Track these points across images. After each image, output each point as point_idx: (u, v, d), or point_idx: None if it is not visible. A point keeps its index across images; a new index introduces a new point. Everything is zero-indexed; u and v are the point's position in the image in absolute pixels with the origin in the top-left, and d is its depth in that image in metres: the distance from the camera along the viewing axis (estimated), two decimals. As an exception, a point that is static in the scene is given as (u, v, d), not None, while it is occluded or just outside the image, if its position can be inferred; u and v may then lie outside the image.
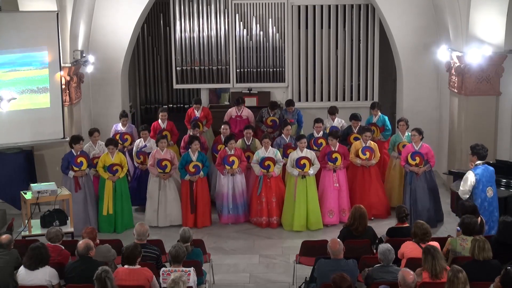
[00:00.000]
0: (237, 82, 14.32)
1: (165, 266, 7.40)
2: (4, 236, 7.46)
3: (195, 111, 12.61)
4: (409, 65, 13.37)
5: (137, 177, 11.48)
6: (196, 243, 8.11)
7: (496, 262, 6.84)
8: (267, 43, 14.19)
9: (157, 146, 10.91)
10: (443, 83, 12.99)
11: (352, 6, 14.07)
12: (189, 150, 10.79)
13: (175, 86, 14.57)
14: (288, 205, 10.65)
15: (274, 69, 14.25)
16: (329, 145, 10.86)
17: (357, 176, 10.99)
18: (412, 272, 6.37)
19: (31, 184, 9.93)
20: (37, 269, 6.94)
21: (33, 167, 11.78)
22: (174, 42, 14.25)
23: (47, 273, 6.96)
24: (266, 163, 10.62)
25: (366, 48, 14.20)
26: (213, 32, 14.18)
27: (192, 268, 7.11)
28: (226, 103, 14.55)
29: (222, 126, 11.61)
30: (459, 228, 7.77)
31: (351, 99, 14.39)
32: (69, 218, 9.57)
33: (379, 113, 12.06)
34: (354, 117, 11.89)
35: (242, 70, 14.27)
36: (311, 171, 10.52)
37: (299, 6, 14.09)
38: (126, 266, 6.90)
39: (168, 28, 15.38)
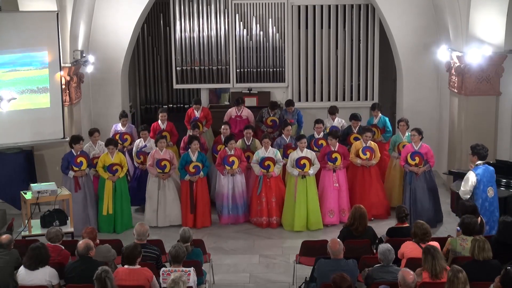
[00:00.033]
0: (237, 82, 14.31)
1: (165, 266, 7.40)
2: (4, 236, 7.46)
3: (195, 112, 12.61)
4: (409, 65, 13.37)
5: (137, 177, 11.49)
6: (196, 243, 8.11)
7: (496, 262, 6.84)
8: (267, 43, 14.19)
9: (156, 146, 10.91)
10: (443, 83, 12.99)
11: (352, 6, 14.06)
12: (189, 150, 10.79)
13: (175, 86, 14.56)
14: (289, 205, 10.65)
15: (274, 69, 14.25)
16: (328, 145, 10.86)
17: (357, 176, 10.99)
18: (412, 272, 6.37)
19: (31, 184, 9.93)
20: (37, 269, 6.94)
21: (33, 167, 11.78)
22: (174, 42, 14.25)
23: (47, 273, 6.96)
24: (266, 163, 10.62)
25: (366, 48, 14.19)
26: (213, 32, 14.18)
27: (192, 268, 7.11)
28: (226, 103, 14.55)
29: (222, 126, 11.61)
30: (459, 228, 7.77)
31: (351, 99, 14.39)
32: (69, 218, 9.57)
33: (380, 114, 12.05)
34: (354, 117, 11.89)
35: (242, 70, 14.27)
36: (311, 171, 10.52)
37: (299, 6, 14.08)
38: (126, 266, 6.90)
39: (168, 28, 15.37)
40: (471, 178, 8.80)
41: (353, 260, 7.17)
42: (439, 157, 12.91)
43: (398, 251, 7.41)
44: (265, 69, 14.26)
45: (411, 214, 9.92)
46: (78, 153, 10.50)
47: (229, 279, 9.01)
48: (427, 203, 10.44)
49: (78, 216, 10.25)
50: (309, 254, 8.32)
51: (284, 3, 14.02)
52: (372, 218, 10.59)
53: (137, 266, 6.90)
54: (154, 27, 15.91)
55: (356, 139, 11.42)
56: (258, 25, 14.14)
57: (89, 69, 12.85)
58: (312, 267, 7.74)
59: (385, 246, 7.00)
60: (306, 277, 7.91)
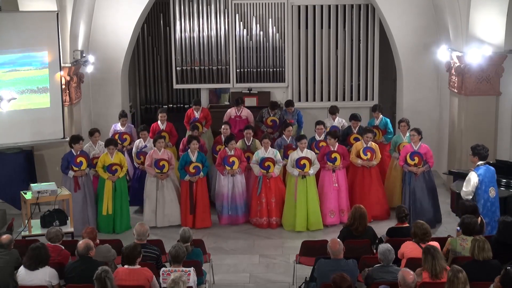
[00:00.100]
0: (237, 82, 14.31)
1: (165, 266, 7.40)
2: (4, 236, 7.46)
3: (195, 112, 12.61)
4: (409, 65, 13.37)
5: (137, 178, 11.47)
6: (196, 243, 8.11)
7: (496, 262, 6.84)
8: (267, 43, 14.18)
9: (154, 146, 10.89)
10: (443, 83, 12.99)
11: (352, 6, 14.06)
12: (188, 150, 10.78)
13: (175, 86, 14.56)
14: (289, 206, 10.64)
15: (274, 69, 14.25)
16: (328, 145, 10.84)
17: (357, 177, 10.98)
18: (412, 272, 6.37)
19: (31, 184, 9.93)
20: (37, 269, 6.94)
21: (33, 167, 11.78)
22: (174, 42, 14.25)
23: (47, 273, 6.96)
24: (266, 163, 10.61)
25: (366, 48, 14.19)
26: (213, 32, 14.17)
27: (192, 268, 7.11)
28: (226, 103, 14.55)
29: (223, 126, 11.60)
30: (459, 228, 7.77)
31: (351, 99, 14.39)
32: (69, 218, 9.56)
33: (381, 115, 12.04)
34: (354, 117, 11.88)
35: (242, 70, 14.26)
36: (311, 171, 10.52)
37: (299, 6, 14.08)
38: (126, 266, 6.90)
39: (168, 28, 15.38)
40: (473, 178, 8.79)
41: (353, 260, 7.17)
42: (439, 157, 12.91)
43: (398, 251, 7.41)
44: (265, 69, 14.25)
45: (410, 214, 9.91)
46: (78, 153, 10.50)
47: (229, 279, 9.01)
48: (427, 203, 10.44)
49: (78, 216, 10.24)
50: (309, 254, 8.32)
51: (284, 3, 14.02)
52: (372, 220, 10.56)
53: (137, 266, 6.90)
54: (154, 27, 15.91)
55: (356, 139, 11.41)
56: (258, 25, 14.14)
57: (89, 69, 12.85)
58: (312, 267, 7.74)
59: (385, 246, 7.00)
60: (306, 277, 7.91)
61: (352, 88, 14.36)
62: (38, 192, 9.42)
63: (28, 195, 9.53)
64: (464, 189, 8.88)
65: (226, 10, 14.09)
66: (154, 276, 6.91)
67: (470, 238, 7.27)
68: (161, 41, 15.89)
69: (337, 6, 14.05)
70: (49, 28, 11.05)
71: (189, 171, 10.61)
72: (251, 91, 14.30)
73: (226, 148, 10.80)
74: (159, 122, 12.28)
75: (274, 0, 14.03)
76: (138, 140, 11.56)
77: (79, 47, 12.31)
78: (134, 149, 11.49)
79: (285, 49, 14.15)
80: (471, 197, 8.76)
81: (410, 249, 7.39)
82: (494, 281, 6.23)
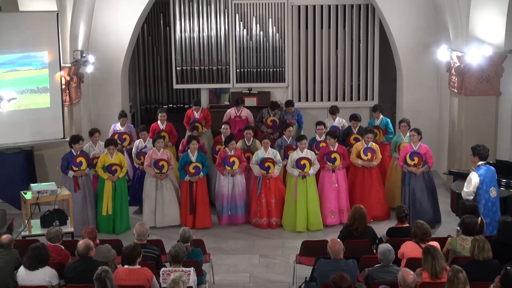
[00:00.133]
0: (237, 82, 14.31)
1: (165, 266, 7.40)
2: (4, 236, 7.45)
3: (195, 113, 12.60)
4: (409, 65, 13.37)
5: (138, 178, 11.45)
6: (196, 243, 8.11)
7: (496, 262, 6.84)
8: (267, 43, 14.18)
9: (153, 146, 10.88)
10: (443, 83, 12.99)
11: (352, 6, 14.06)
12: (188, 150, 10.78)
13: (175, 86, 14.56)
14: (289, 206, 10.64)
15: (274, 69, 14.25)
16: (328, 145, 10.84)
17: (357, 177, 10.96)
18: (412, 272, 6.37)
19: (31, 184, 9.93)
20: (37, 269, 6.93)
21: (33, 167, 11.78)
22: (174, 42, 14.24)
23: (47, 274, 6.96)
24: (266, 164, 10.60)
25: (366, 48, 14.19)
26: (213, 32, 14.17)
27: (192, 268, 7.11)
28: (226, 103, 14.55)
29: (223, 126, 11.59)
30: (459, 228, 7.77)
31: (351, 99, 14.38)
32: (69, 218, 9.56)
33: (381, 116, 12.04)
34: (354, 118, 11.87)
35: (242, 70, 14.26)
36: (311, 171, 10.51)
37: (299, 6, 14.08)
38: (126, 266, 6.90)
39: (168, 28, 15.38)
40: (474, 179, 8.78)
41: (353, 260, 7.17)
42: (439, 157, 12.91)
43: (398, 251, 7.41)
44: (265, 69, 14.25)
45: (410, 215, 9.90)
46: (78, 153, 10.50)
47: (229, 279, 9.01)
48: (426, 203, 10.43)
49: (78, 216, 10.24)
50: (309, 254, 8.32)
51: (284, 3, 14.02)
52: (372, 220, 10.56)
53: (137, 266, 6.90)
54: (154, 27, 15.92)
55: (356, 139, 11.41)
56: (258, 25, 14.14)
57: (89, 69, 12.85)
58: (312, 267, 7.74)
59: (385, 246, 7.00)
60: (306, 277, 7.91)
61: (352, 88, 14.36)
62: (38, 192, 9.42)
63: (28, 195, 9.53)
64: (465, 189, 8.87)
65: (226, 10, 14.09)
66: (154, 276, 6.91)
67: (470, 238, 7.27)
68: (161, 41, 15.89)
69: (337, 6, 14.05)
70: (49, 28, 11.05)
71: (189, 171, 10.60)
72: (251, 91, 14.30)
73: (226, 148, 10.79)
74: (158, 122, 12.27)
75: (274, 0, 14.03)
76: (138, 141, 11.55)
77: (79, 47, 12.31)
78: (134, 150, 11.49)
79: (285, 49, 14.14)
80: (472, 197, 8.75)
81: (410, 249, 7.39)
82: (494, 281, 6.23)
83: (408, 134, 11.08)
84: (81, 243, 7.16)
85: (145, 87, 16.11)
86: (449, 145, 12.38)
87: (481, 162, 8.91)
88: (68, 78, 11.79)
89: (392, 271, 6.84)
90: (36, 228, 9.35)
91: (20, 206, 10.11)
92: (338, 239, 7.38)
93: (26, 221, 9.33)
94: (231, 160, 10.67)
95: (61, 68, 11.35)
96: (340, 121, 12.27)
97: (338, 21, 14.10)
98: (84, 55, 12.31)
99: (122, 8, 13.20)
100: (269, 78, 14.29)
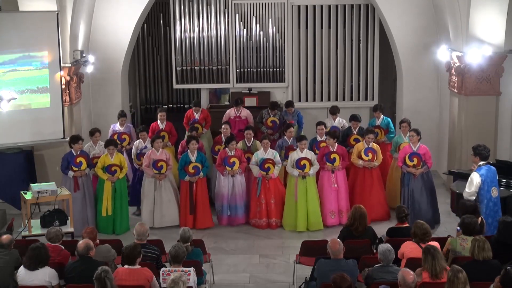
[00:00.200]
0: (237, 82, 14.31)
1: (165, 266, 7.40)
2: (5, 236, 7.45)
3: (194, 113, 12.59)
4: (409, 65, 13.37)
5: (138, 179, 11.41)
6: (196, 243, 8.11)
7: (496, 262, 6.84)
8: (267, 43, 14.18)
9: (152, 146, 10.87)
10: (443, 83, 12.99)
11: (352, 6, 14.06)
12: (188, 150, 10.77)
13: (175, 86, 14.56)
14: (290, 206, 10.63)
15: (274, 69, 14.24)
16: (328, 145, 10.83)
17: (358, 178, 10.94)
18: (412, 272, 6.37)
19: (31, 184, 9.93)
20: (37, 269, 6.94)
21: (33, 167, 11.78)
22: (174, 42, 14.24)
23: (47, 274, 6.96)
24: (266, 165, 10.59)
25: (366, 48, 14.19)
26: (213, 32, 14.17)
27: (192, 268, 7.11)
28: (226, 103, 14.55)
29: (223, 126, 11.58)
30: (459, 228, 7.77)
31: (351, 99, 14.38)
32: (69, 218, 9.56)
33: (382, 115, 12.03)
34: (354, 118, 11.86)
35: (242, 70, 14.26)
36: (311, 171, 10.51)
37: (299, 6, 14.08)
38: (126, 266, 6.90)
39: (168, 28, 15.38)
40: (475, 179, 8.76)
41: (353, 260, 7.17)
42: (439, 157, 12.92)
43: (398, 251, 7.41)
44: (265, 69, 14.25)
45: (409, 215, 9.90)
46: (78, 153, 10.49)
47: (229, 279, 9.01)
48: (425, 204, 10.42)
49: (78, 216, 10.23)
50: (309, 254, 8.32)
51: (284, 3, 14.02)
52: (371, 222, 10.53)
53: (137, 266, 6.90)
54: (154, 27, 15.92)
55: (356, 140, 11.40)
56: (258, 25, 14.14)
57: (89, 69, 12.85)
58: (312, 267, 7.74)
59: (385, 246, 7.00)
60: (306, 277, 7.91)
61: (352, 88, 14.36)
62: (38, 192, 9.42)
63: (28, 195, 9.53)
64: (467, 190, 8.84)
65: (226, 10, 14.09)
66: (154, 276, 6.91)
67: (470, 238, 7.27)
68: (161, 41, 15.89)
69: (337, 6, 14.05)
70: (49, 28, 11.05)
71: (189, 172, 10.60)
72: (251, 91, 14.30)
73: (226, 148, 10.78)
74: (158, 121, 12.26)
75: (274, 0, 14.03)
76: (137, 141, 11.52)
77: (79, 47, 12.31)
78: (133, 150, 11.45)
79: (285, 49, 14.14)
80: (474, 197, 8.73)
81: (410, 249, 7.39)
82: (494, 281, 6.23)
83: (408, 134, 11.07)
84: (81, 243, 7.16)
85: (145, 87, 16.12)
86: (449, 145, 12.38)
87: (482, 162, 8.90)
88: (68, 78, 11.79)
89: (392, 271, 6.84)
90: (36, 228, 9.35)
91: (20, 206, 10.11)
92: (338, 239, 7.38)
93: (26, 221, 9.33)
94: (231, 160, 10.66)
95: (61, 68, 11.35)
96: (340, 121, 12.27)
97: (338, 21, 14.10)
98: (84, 55, 12.31)
99: (122, 8, 13.20)
100: (269, 78, 14.29)
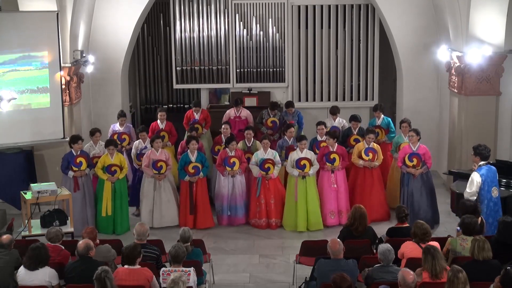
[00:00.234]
0: (237, 82, 14.31)
1: (165, 266, 7.40)
2: (5, 236, 7.45)
3: (195, 114, 12.59)
4: (409, 65, 13.37)
5: (138, 179, 11.40)
6: (196, 243, 8.11)
7: (496, 262, 6.84)
8: (267, 43, 14.18)
9: (151, 146, 10.86)
10: (443, 83, 12.99)
11: (352, 6, 14.06)
12: (188, 150, 10.77)
13: (175, 86, 14.56)
14: (290, 206, 10.63)
15: (274, 69, 14.24)
16: (327, 145, 10.82)
17: (358, 178, 10.93)
18: (412, 272, 6.37)
19: (31, 184, 9.93)
20: (37, 269, 6.94)
21: (33, 167, 11.78)
22: (174, 42, 14.24)
23: (47, 274, 6.96)
24: (266, 165, 10.59)
25: (366, 48, 14.19)
26: (213, 32, 14.17)
27: (192, 268, 7.11)
28: (226, 103, 14.55)
29: (223, 126, 11.58)
30: (459, 228, 7.77)
31: (351, 99, 14.38)
32: (69, 218, 9.56)
33: (382, 115, 12.03)
34: (354, 118, 11.84)
35: (242, 70, 14.26)
36: (311, 171, 10.51)
37: (299, 6, 14.08)
38: (126, 266, 6.90)
39: (168, 28, 15.38)
40: (476, 179, 8.75)
41: (353, 260, 7.17)
42: (439, 157, 12.92)
43: (398, 251, 7.41)
44: (265, 69, 14.25)
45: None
46: (78, 153, 10.49)
47: (229, 279, 9.01)
48: (425, 204, 10.42)
49: (78, 216, 10.23)
50: (309, 254, 8.32)
51: (284, 3, 14.02)
52: (371, 223, 10.51)
53: (137, 266, 6.90)
54: (154, 27, 15.92)
55: (356, 140, 11.39)
56: (258, 25, 14.14)
57: (89, 69, 12.85)
58: (312, 267, 7.74)
59: (385, 246, 7.00)
60: (306, 277, 7.91)
61: (352, 88, 14.36)
62: (38, 192, 9.42)
63: (28, 195, 9.53)
64: (468, 190, 8.83)
65: (226, 10, 14.09)
66: (154, 276, 6.91)
67: (470, 238, 7.27)
68: (161, 41, 15.90)
69: (337, 6, 14.05)
70: (49, 28, 11.05)
71: (188, 171, 10.59)
72: (251, 91, 14.29)
73: (227, 149, 10.78)
74: (158, 121, 12.26)
75: (274, 0, 14.03)
76: (137, 141, 11.50)
77: (79, 47, 12.31)
78: (133, 151, 11.43)
79: (285, 49, 14.14)
80: (475, 197, 8.71)
81: (410, 249, 7.39)
82: (494, 281, 6.23)
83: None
84: (81, 243, 7.16)
85: (145, 87, 16.12)
86: (449, 145, 12.38)
87: (482, 162, 8.90)
88: (68, 78, 11.79)
89: (392, 271, 6.84)
90: (36, 228, 9.35)
91: (20, 206, 10.11)
92: (338, 239, 7.38)
93: (26, 221, 9.33)
94: (231, 161, 10.66)
95: (61, 68, 11.35)
96: (341, 122, 12.26)
97: (338, 21, 14.10)
98: (84, 55, 12.31)
99: (122, 8, 13.20)
100: (269, 78, 14.29)
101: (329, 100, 14.27)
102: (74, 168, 10.41)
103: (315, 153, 10.88)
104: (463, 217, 7.61)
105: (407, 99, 13.49)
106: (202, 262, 7.92)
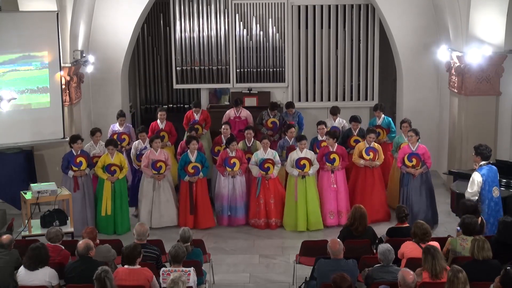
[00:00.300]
0: (237, 82, 14.31)
1: (165, 266, 7.40)
2: (5, 236, 7.45)
3: (195, 114, 12.59)
4: (409, 65, 13.37)
5: (138, 179, 11.39)
6: (196, 243, 8.11)
7: (496, 262, 6.84)
8: (267, 43, 14.18)
9: (150, 146, 10.85)
10: (443, 83, 12.99)
11: (352, 6, 14.06)
12: (188, 150, 10.76)
13: (175, 86, 14.56)
14: (290, 206, 10.63)
15: (274, 69, 14.24)
16: (327, 145, 10.82)
17: (359, 178, 10.91)
18: (412, 272, 6.37)
19: (31, 184, 9.93)
20: (37, 269, 6.93)
21: (33, 167, 11.78)
22: (174, 42, 14.24)
23: (47, 274, 6.95)
24: (266, 165, 10.58)
25: (366, 48, 14.19)
26: (213, 32, 14.17)
27: (192, 268, 7.11)
28: (226, 103, 14.55)
29: (223, 126, 11.57)
30: (459, 228, 7.77)
31: (351, 99, 14.38)
32: (69, 218, 9.56)
33: (383, 115, 12.03)
34: (354, 119, 11.82)
35: (242, 70, 14.26)
36: (311, 171, 10.51)
37: (299, 6, 14.08)
38: (126, 266, 6.90)
39: (168, 28, 15.38)
40: (477, 178, 8.74)
41: (353, 260, 7.17)
42: (439, 157, 12.92)
43: (398, 251, 7.41)
44: (265, 69, 14.25)
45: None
46: (78, 153, 10.49)
47: (229, 279, 9.01)
48: (424, 204, 10.42)
49: (77, 216, 10.23)
50: (309, 254, 8.32)
51: (284, 3, 14.02)
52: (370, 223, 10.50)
53: (137, 266, 6.90)
54: (154, 27, 15.93)
55: (357, 141, 11.38)
56: (258, 25, 14.14)
57: (89, 69, 12.85)
58: (312, 267, 7.74)
59: (385, 246, 7.00)
60: (306, 277, 7.91)
61: (352, 88, 14.36)
62: (38, 192, 9.42)
63: (28, 195, 9.53)
64: (469, 190, 8.81)
65: (226, 10, 14.09)
66: (154, 276, 6.91)
67: (470, 238, 7.26)
68: (161, 41, 15.90)
69: (337, 6, 14.05)
70: (49, 28, 11.05)
71: (188, 171, 10.59)
72: (251, 91, 14.30)
73: (227, 149, 10.77)
74: (158, 121, 12.26)
75: (274, 0, 14.03)
76: (137, 142, 11.49)
77: (79, 47, 12.31)
78: (133, 151, 11.41)
79: (285, 49, 14.14)
80: (476, 197, 8.70)
81: (410, 249, 7.39)
82: (494, 281, 6.23)
83: (409, 134, 11.07)
84: (81, 243, 7.16)
85: (145, 87, 16.12)
86: (449, 145, 12.38)
87: (483, 162, 8.89)
88: (68, 78, 11.79)
89: (392, 271, 6.84)
90: (36, 228, 9.35)
91: (20, 206, 10.11)
92: (338, 239, 7.38)
93: (26, 221, 9.33)
94: (232, 161, 10.65)
95: (61, 68, 11.35)
96: (341, 122, 12.26)
97: (338, 21, 14.10)
98: (84, 55, 12.31)
99: (122, 8, 13.20)
100: (269, 78, 14.29)
101: (329, 100, 14.28)
102: (74, 168, 10.41)
103: (316, 152, 10.88)
104: (463, 217, 7.61)
105: (407, 99, 13.49)
106: (202, 262, 7.92)
